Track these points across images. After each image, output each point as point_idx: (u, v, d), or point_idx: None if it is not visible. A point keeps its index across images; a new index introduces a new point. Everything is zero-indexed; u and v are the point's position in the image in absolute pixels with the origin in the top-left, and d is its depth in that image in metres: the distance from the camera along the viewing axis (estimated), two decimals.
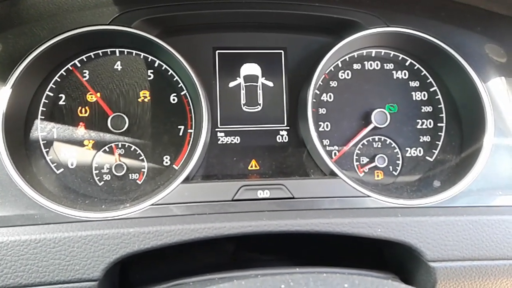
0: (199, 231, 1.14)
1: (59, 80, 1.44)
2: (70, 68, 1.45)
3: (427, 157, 1.56)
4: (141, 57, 1.49)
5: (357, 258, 1.29)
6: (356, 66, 1.58)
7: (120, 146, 1.46)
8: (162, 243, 1.12)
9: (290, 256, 1.46)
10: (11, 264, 1.06)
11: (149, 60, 1.49)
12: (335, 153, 1.54)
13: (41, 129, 1.42)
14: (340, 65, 1.56)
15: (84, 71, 1.46)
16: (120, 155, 1.45)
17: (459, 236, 1.19)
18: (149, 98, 1.48)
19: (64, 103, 1.44)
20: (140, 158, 1.46)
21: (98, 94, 1.46)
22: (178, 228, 1.13)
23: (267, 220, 1.17)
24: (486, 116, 1.41)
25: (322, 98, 1.55)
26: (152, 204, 1.25)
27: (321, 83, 1.55)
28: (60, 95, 1.44)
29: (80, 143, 1.44)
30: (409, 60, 1.58)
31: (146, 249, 1.11)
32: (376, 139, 1.56)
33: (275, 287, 0.74)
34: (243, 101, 1.54)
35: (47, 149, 1.42)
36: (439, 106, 1.57)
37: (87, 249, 1.09)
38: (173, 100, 1.49)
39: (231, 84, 1.54)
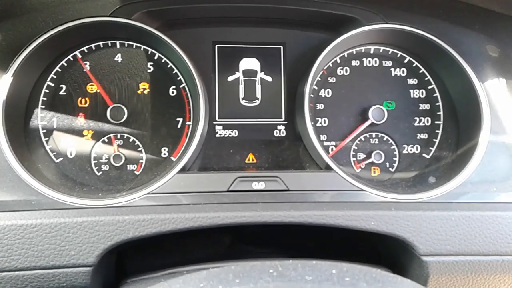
0: (194, 220, 1.14)
1: (60, 70, 1.45)
2: (77, 56, 1.46)
3: (423, 154, 1.56)
4: (141, 49, 1.50)
5: (353, 255, 1.30)
6: (354, 63, 1.58)
7: (119, 137, 1.47)
8: (156, 231, 1.13)
9: (286, 250, 1.47)
10: (7, 248, 1.08)
11: (149, 52, 1.50)
12: (332, 149, 1.54)
13: (41, 118, 1.43)
14: (338, 61, 1.57)
15: (85, 62, 1.47)
16: (118, 145, 1.46)
17: (452, 231, 1.19)
18: (148, 90, 1.50)
19: (64, 93, 1.45)
20: (139, 149, 1.47)
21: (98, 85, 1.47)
22: (172, 217, 1.14)
23: (261, 211, 1.17)
24: (482, 114, 1.41)
25: (320, 93, 1.56)
26: (148, 193, 1.26)
27: (320, 79, 1.56)
28: (60, 85, 1.45)
29: (79, 133, 1.45)
30: (408, 58, 1.59)
31: (140, 236, 1.12)
32: (373, 136, 1.56)
33: (264, 271, 0.74)
34: (241, 95, 1.55)
35: (47, 138, 1.43)
36: (437, 104, 1.57)
37: (82, 235, 1.10)
38: (172, 92, 1.51)
39: (230, 78, 1.55)
